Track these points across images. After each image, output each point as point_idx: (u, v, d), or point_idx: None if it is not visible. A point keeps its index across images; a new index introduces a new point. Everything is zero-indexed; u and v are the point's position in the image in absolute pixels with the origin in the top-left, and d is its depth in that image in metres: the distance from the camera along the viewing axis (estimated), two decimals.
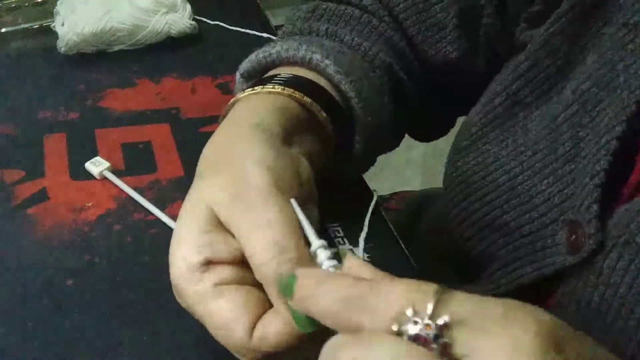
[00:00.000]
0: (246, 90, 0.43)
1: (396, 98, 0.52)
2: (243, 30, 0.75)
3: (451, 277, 0.55)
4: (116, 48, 0.70)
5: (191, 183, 0.54)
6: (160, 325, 0.43)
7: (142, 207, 0.52)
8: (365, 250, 0.48)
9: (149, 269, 0.47)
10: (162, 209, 0.52)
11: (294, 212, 0.34)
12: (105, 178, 0.55)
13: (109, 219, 0.51)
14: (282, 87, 0.42)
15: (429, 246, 0.60)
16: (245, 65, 0.48)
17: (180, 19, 0.72)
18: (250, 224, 0.34)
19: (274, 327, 0.33)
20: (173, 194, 0.54)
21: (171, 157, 0.58)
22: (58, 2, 0.71)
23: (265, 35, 0.74)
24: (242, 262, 0.35)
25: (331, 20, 0.52)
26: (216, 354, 0.42)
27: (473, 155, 0.47)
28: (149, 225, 0.51)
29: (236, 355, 0.35)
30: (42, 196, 0.53)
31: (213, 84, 0.67)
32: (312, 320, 0.29)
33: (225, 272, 0.35)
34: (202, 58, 0.72)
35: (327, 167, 0.45)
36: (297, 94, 0.42)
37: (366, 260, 0.46)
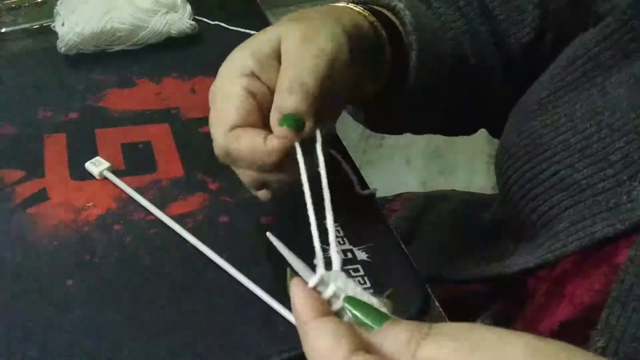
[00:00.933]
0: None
1: (456, 75, 0.54)
2: (243, 30, 0.75)
3: (450, 277, 0.55)
4: (116, 48, 0.70)
5: (191, 183, 0.55)
6: (161, 325, 0.43)
7: (142, 207, 0.52)
8: (366, 250, 0.48)
9: (149, 269, 0.48)
10: (162, 209, 0.52)
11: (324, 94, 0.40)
12: (105, 178, 0.55)
13: (109, 219, 0.51)
14: (362, 8, 0.48)
15: (434, 245, 0.60)
16: None
17: (180, 19, 0.72)
18: (301, 59, 0.40)
19: (249, 134, 0.40)
20: (173, 194, 0.54)
21: (171, 157, 0.58)
22: (58, 2, 0.71)
23: None
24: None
25: None
26: (216, 354, 0.42)
27: (541, 118, 0.47)
28: (149, 225, 0.51)
29: (215, 150, 0.43)
30: (42, 196, 0.53)
31: None
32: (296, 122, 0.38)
33: (256, 84, 0.42)
34: (202, 58, 0.72)
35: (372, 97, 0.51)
36: (375, 20, 0.48)
37: (366, 261, 0.46)
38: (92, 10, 0.68)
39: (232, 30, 0.75)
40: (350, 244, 0.49)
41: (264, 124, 0.41)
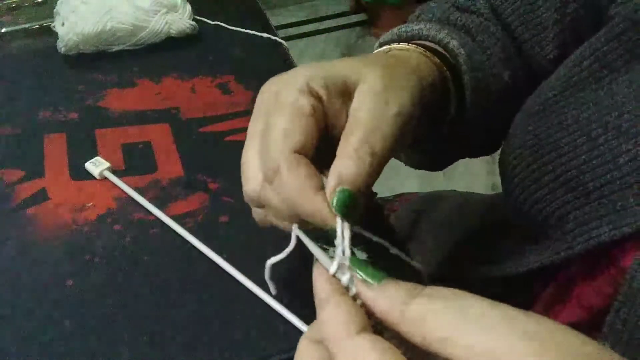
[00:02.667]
0: (392, 45, 0.49)
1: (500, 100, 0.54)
2: (243, 30, 0.75)
3: (450, 276, 0.55)
4: (116, 48, 0.70)
5: (191, 183, 0.55)
6: (161, 325, 0.43)
7: (142, 207, 0.52)
8: (366, 250, 0.48)
9: (149, 269, 0.48)
10: (162, 209, 0.52)
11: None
12: (105, 178, 0.55)
13: (109, 219, 0.51)
14: (424, 50, 0.47)
15: (434, 245, 0.60)
16: (386, 36, 0.53)
17: (180, 19, 0.72)
18: (379, 119, 0.36)
19: (303, 172, 0.35)
20: (173, 194, 0.54)
21: (171, 157, 0.58)
22: (58, 2, 0.71)
23: (265, 35, 0.74)
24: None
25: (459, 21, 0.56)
26: (216, 354, 0.42)
27: (547, 118, 0.47)
28: (149, 225, 0.51)
29: (255, 171, 0.38)
30: (42, 196, 0.53)
31: (213, 84, 0.67)
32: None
33: (321, 112, 0.37)
34: (202, 58, 0.72)
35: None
36: (437, 60, 0.47)
37: (366, 260, 0.46)
38: (92, 10, 0.68)
39: (232, 30, 0.75)
40: (350, 244, 0.48)
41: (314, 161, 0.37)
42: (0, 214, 0.52)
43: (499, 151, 0.53)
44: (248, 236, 0.50)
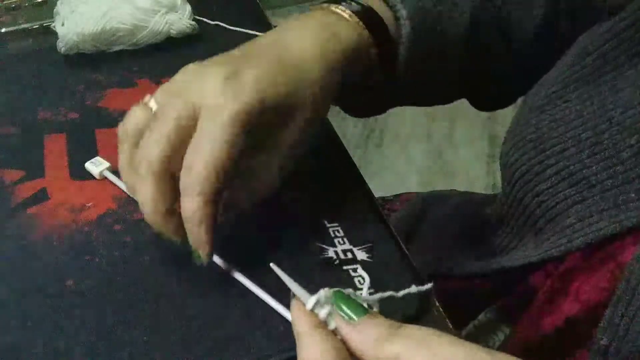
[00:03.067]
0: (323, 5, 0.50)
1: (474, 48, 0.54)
2: (243, 30, 0.75)
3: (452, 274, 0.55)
4: (116, 48, 0.70)
5: None
6: (161, 325, 0.43)
7: None
8: (366, 250, 0.48)
9: (149, 269, 0.47)
10: None
11: None
12: (105, 178, 0.55)
13: (109, 219, 0.51)
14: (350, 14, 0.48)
15: (434, 245, 0.60)
16: None
17: (180, 19, 0.72)
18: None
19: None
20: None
21: None
22: (58, 2, 0.71)
23: None
24: None
25: None
26: (216, 354, 0.42)
27: (550, 112, 0.47)
28: (149, 225, 0.51)
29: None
30: (42, 196, 0.53)
31: None
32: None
33: None
34: (202, 58, 0.71)
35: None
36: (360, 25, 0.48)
37: (366, 261, 0.46)
38: (92, 10, 0.68)
39: (232, 30, 0.75)
40: (350, 244, 0.48)
41: None
42: (0, 214, 0.52)
43: (499, 151, 0.53)
44: (248, 236, 0.50)
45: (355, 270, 0.46)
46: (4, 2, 0.77)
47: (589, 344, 0.40)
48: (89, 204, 0.53)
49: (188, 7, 0.73)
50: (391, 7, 0.51)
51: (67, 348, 0.42)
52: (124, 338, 0.43)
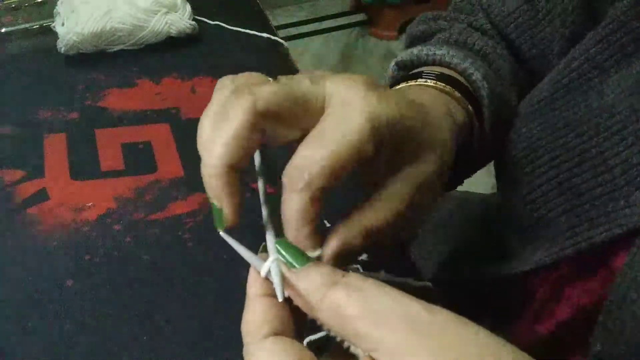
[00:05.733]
0: (419, 81, 0.46)
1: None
2: (243, 30, 0.75)
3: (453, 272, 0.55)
4: (116, 48, 0.70)
5: (191, 183, 0.54)
6: (161, 325, 0.43)
7: (142, 207, 0.52)
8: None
9: (149, 269, 0.48)
10: (162, 209, 0.52)
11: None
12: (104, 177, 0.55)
13: (109, 219, 0.51)
14: (444, 85, 0.45)
15: (434, 245, 0.60)
16: (405, 55, 0.51)
17: (180, 19, 0.72)
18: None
19: None
20: (173, 194, 0.54)
21: (171, 157, 0.58)
22: (58, 2, 0.71)
23: (265, 35, 0.74)
24: None
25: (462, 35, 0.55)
26: (216, 353, 0.42)
27: (540, 120, 0.47)
28: (149, 225, 0.51)
29: None
30: (42, 196, 0.53)
31: (213, 84, 0.67)
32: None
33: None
34: (202, 58, 0.72)
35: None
36: (460, 97, 0.46)
37: (364, 260, 0.46)
38: (92, 10, 0.68)
39: (232, 30, 0.75)
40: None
41: None
42: (0, 214, 0.52)
43: None
44: (248, 236, 0.50)
45: (355, 270, 0.46)
46: (4, 2, 0.77)
47: (583, 350, 0.40)
48: (89, 204, 0.53)
49: (188, 7, 0.73)
50: (461, 73, 0.49)
51: (67, 348, 0.42)
52: (124, 338, 0.43)
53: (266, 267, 0.32)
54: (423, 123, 0.36)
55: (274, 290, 0.31)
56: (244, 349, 0.29)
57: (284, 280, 0.30)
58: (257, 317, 0.30)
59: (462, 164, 0.46)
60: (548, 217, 0.45)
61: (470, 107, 0.46)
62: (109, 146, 0.59)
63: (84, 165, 0.56)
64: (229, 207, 0.33)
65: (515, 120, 0.50)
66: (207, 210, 0.52)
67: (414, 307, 0.26)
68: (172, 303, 0.45)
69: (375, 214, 0.33)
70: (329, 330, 0.28)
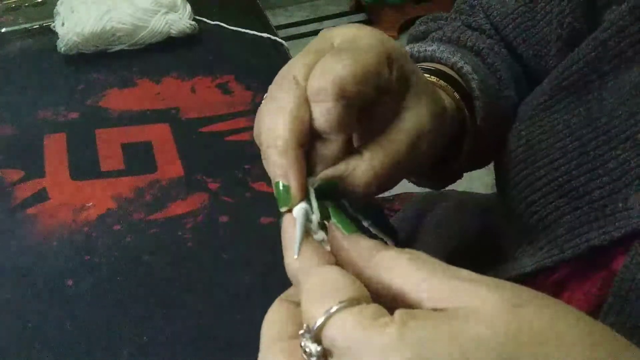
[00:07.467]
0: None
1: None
2: (243, 30, 0.75)
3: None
4: (116, 48, 0.70)
5: (191, 183, 0.54)
6: (160, 325, 0.43)
7: (142, 207, 0.52)
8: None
9: (149, 268, 0.48)
10: (162, 209, 0.52)
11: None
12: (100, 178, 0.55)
13: (109, 219, 0.51)
14: (437, 78, 0.47)
15: (434, 245, 0.60)
16: None
17: (180, 19, 0.72)
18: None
19: None
20: (173, 194, 0.54)
21: (171, 157, 0.58)
22: (58, 2, 0.71)
23: (265, 35, 0.74)
24: None
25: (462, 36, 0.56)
26: (216, 353, 0.42)
27: (539, 123, 0.47)
28: (149, 225, 0.51)
29: None
30: (42, 196, 0.53)
31: (213, 84, 0.67)
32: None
33: None
34: (202, 58, 0.72)
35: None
36: (449, 89, 0.46)
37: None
38: (92, 10, 0.68)
39: (232, 30, 0.75)
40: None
41: None
42: (0, 214, 0.52)
43: None
44: (248, 236, 0.50)
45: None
46: (4, 2, 0.77)
47: None
48: (89, 204, 0.53)
49: (188, 7, 0.73)
50: (451, 66, 0.49)
51: (68, 347, 0.42)
52: (124, 338, 0.43)
53: (299, 213, 0.32)
54: (418, 77, 0.37)
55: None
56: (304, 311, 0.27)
57: (335, 243, 0.31)
58: (334, 279, 0.28)
59: (456, 156, 0.48)
60: (547, 219, 0.45)
61: (457, 96, 0.47)
62: (109, 146, 0.59)
63: (84, 165, 0.56)
64: (297, 184, 0.33)
65: (515, 122, 0.50)
66: (207, 210, 0.52)
67: (463, 271, 0.27)
68: (172, 303, 0.45)
69: (383, 151, 0.34)
70: (375, 293, 0.28)
